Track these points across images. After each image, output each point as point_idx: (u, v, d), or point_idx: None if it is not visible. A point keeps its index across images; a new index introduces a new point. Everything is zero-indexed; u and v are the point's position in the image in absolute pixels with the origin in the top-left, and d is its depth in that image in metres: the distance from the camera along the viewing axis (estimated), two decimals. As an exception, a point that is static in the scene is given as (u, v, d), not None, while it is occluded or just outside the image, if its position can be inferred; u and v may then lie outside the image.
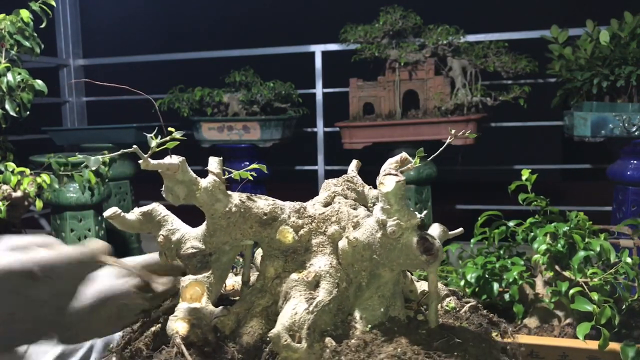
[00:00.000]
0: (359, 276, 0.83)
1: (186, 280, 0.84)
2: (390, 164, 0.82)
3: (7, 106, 1.93)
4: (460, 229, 0.94)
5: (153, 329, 0.89)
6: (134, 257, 0.97)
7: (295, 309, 0.76)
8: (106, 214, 0.84)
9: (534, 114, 2.99)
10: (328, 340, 0.78)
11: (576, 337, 1.33)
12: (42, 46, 2.12)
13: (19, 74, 1.96)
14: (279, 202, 0.87)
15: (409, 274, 0.96)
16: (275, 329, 0.74)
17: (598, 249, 1.43)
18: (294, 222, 0.85)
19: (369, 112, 3.03)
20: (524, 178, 1.59)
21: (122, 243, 2.98)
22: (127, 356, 0.86)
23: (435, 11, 3.22)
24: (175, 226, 0.86)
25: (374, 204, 0.92)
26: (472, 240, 1.69)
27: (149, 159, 0.77)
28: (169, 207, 0.88)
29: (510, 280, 1.51)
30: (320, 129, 3.38)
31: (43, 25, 2.09)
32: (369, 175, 1.05)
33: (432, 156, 0.86)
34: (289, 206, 0.87)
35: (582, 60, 2.53)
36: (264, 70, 3.28)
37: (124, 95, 3.67)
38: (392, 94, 2.93)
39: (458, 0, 5.47)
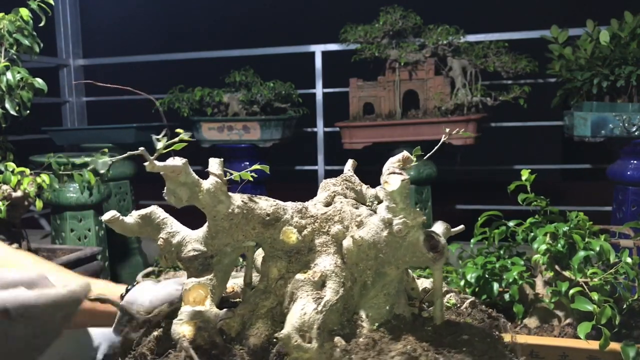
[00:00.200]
0: (364, 275, 0.83)
1: (189, 283, 0.83)
2: (392, 163, 0.82)
3: (7, 105, 1.92)
4: (462, 226, 0.95)
5: (155, 333, 0.88)
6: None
7: (303, 309, 0.76)
8: (104, 218, 0.82)
9: (534, 114, 2.99)
10: (337, 339, 0.78)
11: (576, 337, 1.34)
12: (42, 45, 2.11)
13: (19, 72, 1.95)
14: (281, 202, 0.86)
15: (410, 271, 0.97)
16: (285, 329, 0.74)
17: (598, 249, 1.43)
18: (296, 222, 0.84)
19: (369, 112, 3.03)
20: (523, 178, 1.60)
21: (122, 243, 2.98)
22: (131, 363, 0.85)
23: (435, 11, 3.22)
24: (175, 229, 0.85)
25: (372, 203, 0.92)
26: (472, 240, 1.69)
27: (155, 161, 0.75)
28: (167, 209, 0.87)
29: (510, 280, 1.51)
30: (320, 129, 3.38)
31: (42, 24, 2.09)
32: (369, 175, 1.05)
33: (428, 154, 0.87)
34: (291, 206, 0.86)
35: (582, 60, 2.53)
36: (264, 70, 3.28)
37: (124, 96, 3.67)
38: (392, 94, 2.93)
39: (458, 0, 5.48)
